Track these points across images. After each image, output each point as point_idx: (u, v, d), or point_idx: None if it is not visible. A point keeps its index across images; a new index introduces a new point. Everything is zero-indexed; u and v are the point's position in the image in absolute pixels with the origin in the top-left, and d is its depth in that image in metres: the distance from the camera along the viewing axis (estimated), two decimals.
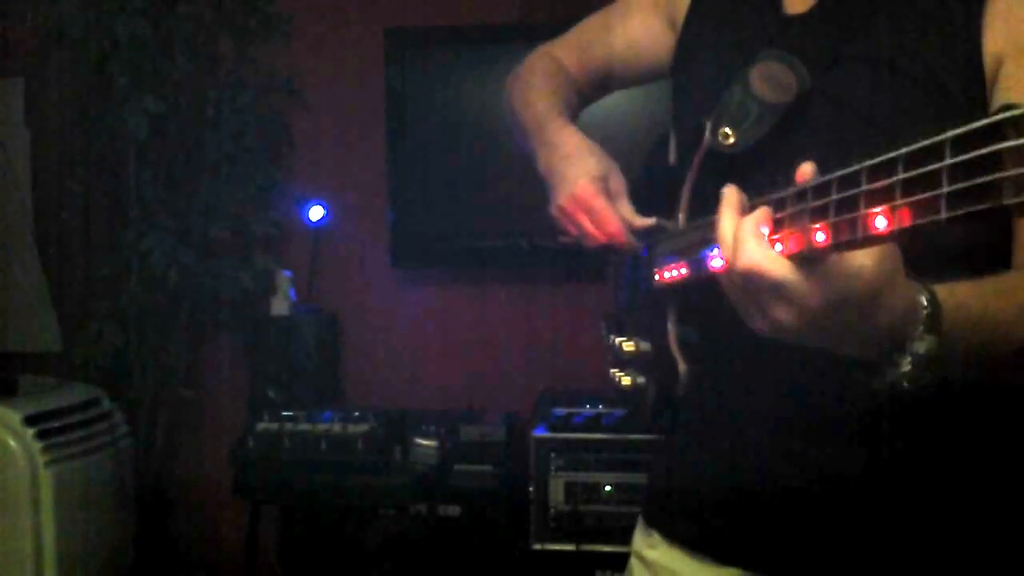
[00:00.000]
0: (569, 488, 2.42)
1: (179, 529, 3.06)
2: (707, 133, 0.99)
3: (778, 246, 0.69)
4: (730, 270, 0.72)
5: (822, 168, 0.65)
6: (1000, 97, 0.91)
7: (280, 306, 2.83)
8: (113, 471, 2.66)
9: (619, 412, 2.44)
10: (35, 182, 3.10)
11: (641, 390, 1.13)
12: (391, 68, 2.85)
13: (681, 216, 1.04)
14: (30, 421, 2.46)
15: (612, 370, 1.20)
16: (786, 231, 0.68)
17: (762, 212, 0.71)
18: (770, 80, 0.98)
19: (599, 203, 1.09)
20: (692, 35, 1.19)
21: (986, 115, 0.53)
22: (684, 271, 0.92)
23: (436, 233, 2.89)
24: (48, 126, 3.07)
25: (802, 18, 1.04)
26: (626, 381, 1.14)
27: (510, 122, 1.32)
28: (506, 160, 2.90)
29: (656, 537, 1.15)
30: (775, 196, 0.70)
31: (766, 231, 0.70)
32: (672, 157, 1.14)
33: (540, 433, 2.46)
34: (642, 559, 1.18)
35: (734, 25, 1.11)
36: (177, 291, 2.83)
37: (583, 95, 1.34)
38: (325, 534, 2.83)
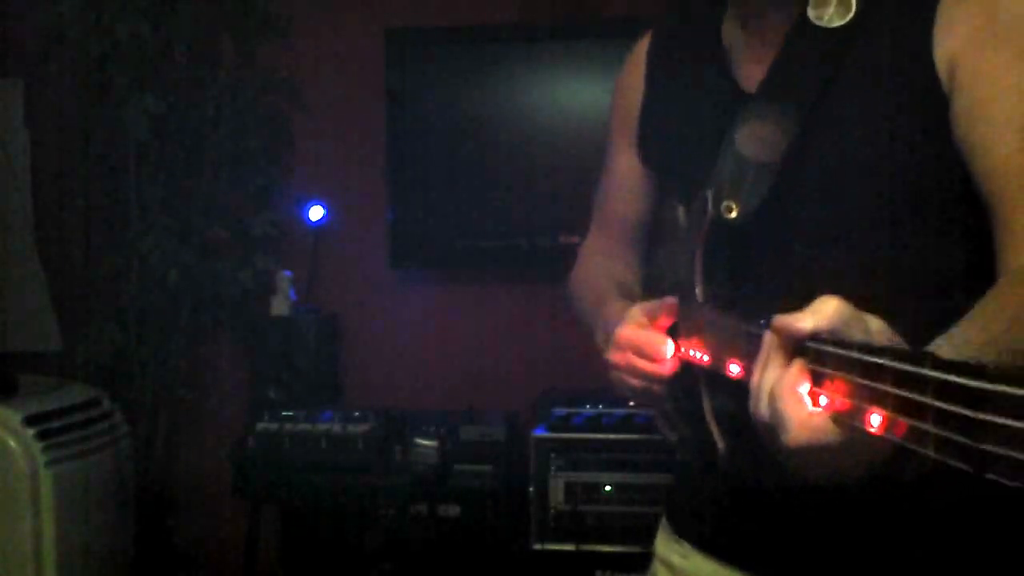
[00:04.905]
0: (569, 488, 2.42)
1: (179, 529, 3.06)
2: (709, 207, 0.98)
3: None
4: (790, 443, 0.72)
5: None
6: (964, 96, 0.90)
7: (280, 306, 2.83)
8: (113, 471, 2.66)
9: (619, 412, 2.44)
10: (35, 182, 3.10)
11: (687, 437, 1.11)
12: (391, 68, 2.85)
13: (698, 289, 1.02)
14: (30, 421, 2.46)
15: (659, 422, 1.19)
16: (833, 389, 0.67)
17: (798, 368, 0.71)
18: (757, 138, 0.97)
19: (640, 333, 1.04)
20: (654, 113, 1.18)
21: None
22: (736, 372, 0.87)
23: (436, 233, 2.89)
24: (48, 126, 3.07)
25: (759, 93, 1.02)
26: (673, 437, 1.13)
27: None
28: (506, 160, 2.92)
29: (688, 547, 1.15)
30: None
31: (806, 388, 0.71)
32: (682, 221, 1.13)
33: (540, 433, 2.46)
34: (669, 565, 1.17)
35: (695, 103, 1.10)
36: (177, 291, 2.83)
37: (632, 264, 1.31)
38: (325, 534, 2.83)
